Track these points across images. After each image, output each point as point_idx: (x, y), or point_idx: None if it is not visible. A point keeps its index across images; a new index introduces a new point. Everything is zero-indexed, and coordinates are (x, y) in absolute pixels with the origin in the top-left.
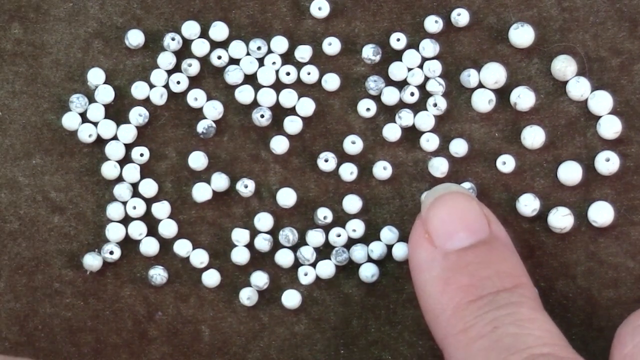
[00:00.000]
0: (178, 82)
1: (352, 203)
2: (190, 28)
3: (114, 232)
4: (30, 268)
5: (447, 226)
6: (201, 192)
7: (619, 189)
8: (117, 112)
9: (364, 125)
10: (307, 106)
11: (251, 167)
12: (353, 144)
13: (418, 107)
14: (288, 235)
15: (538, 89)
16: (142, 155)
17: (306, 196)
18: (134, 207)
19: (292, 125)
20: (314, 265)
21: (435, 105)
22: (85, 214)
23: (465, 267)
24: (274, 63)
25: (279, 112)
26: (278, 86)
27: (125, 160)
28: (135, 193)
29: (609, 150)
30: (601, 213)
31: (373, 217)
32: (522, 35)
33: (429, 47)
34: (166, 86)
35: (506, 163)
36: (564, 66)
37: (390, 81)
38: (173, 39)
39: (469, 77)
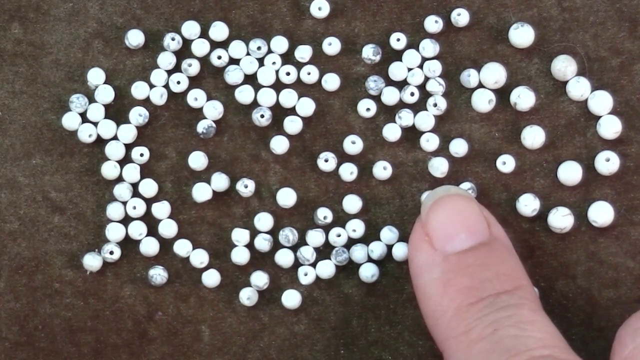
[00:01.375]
0: (178, 82)
1: (352, 203)
2: (190, 28)
3: (114, 232)
4: (30, 268)
5: (447, 228)
6: (201, 192)
7: (619, 189)
8: (117, 112)
9: (364, 125)
10: (307, 106)
11: (251, 167)
12: (353, 144)
13: (418, 107)
14: (288, 235)
15: (538, 89)
16: (142, 155)
17: (306, 196)
18: (134, 207)
19: (292, 125)
20: (314, 265)
21: (435, 105)
22: (85, 214)
23: (466, 269)
24: (274, 63)
25: (279, 112)
26: (278, 86)
27: (125, 160)
28: (135, 193)
29: (609, 150)
30: (601, 213)
31: (373, 217)
32: (522, 35)
33: (429, 47)
34: (166, 86)
35: (506, 163)
36: (564, 66)
37: (390, 81)
38: (173, 39)
39: (469, 77)
